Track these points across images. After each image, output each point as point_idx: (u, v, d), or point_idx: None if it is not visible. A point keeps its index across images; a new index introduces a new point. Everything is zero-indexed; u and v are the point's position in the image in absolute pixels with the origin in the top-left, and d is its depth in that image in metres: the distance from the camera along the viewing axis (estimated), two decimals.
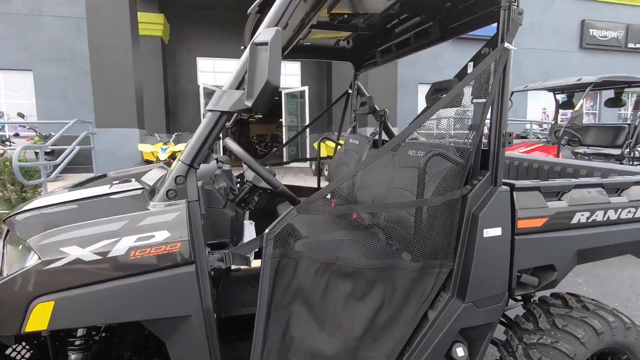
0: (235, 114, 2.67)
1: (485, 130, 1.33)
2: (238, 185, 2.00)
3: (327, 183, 3.01)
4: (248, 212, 1.69)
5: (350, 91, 2.76)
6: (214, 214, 1.28)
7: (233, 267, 1.77)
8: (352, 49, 2.48)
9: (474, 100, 1.35)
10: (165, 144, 7.04)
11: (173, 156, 6.79)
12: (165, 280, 1.02)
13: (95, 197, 1.22)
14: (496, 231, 1.30)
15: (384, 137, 2.40)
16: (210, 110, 1.08)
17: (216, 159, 1.53)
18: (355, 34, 2.14)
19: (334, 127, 10.03)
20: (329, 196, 2.92)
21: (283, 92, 10.68)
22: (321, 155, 2.94)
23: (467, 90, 1.32)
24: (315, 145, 9.20)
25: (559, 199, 1.42)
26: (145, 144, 6.96)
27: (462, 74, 1.51)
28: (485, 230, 1.28)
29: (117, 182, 1.40)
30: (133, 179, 1.41)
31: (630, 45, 12.55)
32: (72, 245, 0.98)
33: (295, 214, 1.19)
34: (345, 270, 1.26)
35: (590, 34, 12.18)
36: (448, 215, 1.31)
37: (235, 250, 1.15)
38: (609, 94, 5.58)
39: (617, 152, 4.83)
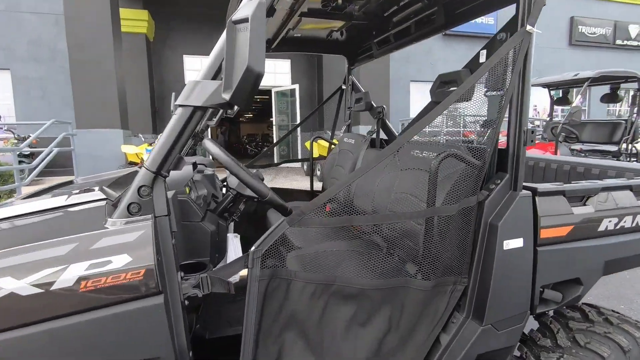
0: (221, 112, 2.48)
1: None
2: (223, 191, 1.80)
3: (320, 184, 2.84)
4: (233, 223, 1.50)
5: (344, 87, 2.58)
6: (190, 229, 1.09)
7: None
8: (346, 40, 2.30)
9: (489, 93, 1.18)
10: (150, 144, 6.78)
11: None
12: (126, 316, 0.83)
13: (44, 211, 1.01)
14: (517, 242, 1.14)
15: (382, 135, 2.22)
16: (180, 106, 0.89)
17: (194, 163, 1.33)
18: (350, 23, 1.96)
19: (326, 126, 9.85)
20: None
21: (273, 90, 10.48)
22: (313, 156, 2.76)
23: (480, 82, 1.15)
24: (308, 144, 9.01)
25: (584, 204, 1.27)
26: (130, 145, 6.69)
27: (473, 64, 1.35)
28: (505, 242, 1.12)
29: (77, 191, 1.20)
30: (96, 188, 1.21)
31: (618, 42, 12.65)
32: (6, 275, 0.78)
33: (286, 226, 1.02)
34: (346, 292, 1.09)
35: (580, 30, 12.24)
36: (462, 225, 1.14)
37: (215, 273, 0.96)
38: (600, 90, 5.51)
39: (613, 148, 4.76)
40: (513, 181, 1.16)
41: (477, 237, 1.15)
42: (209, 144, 1.13)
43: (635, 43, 12.85)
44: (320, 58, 10.26)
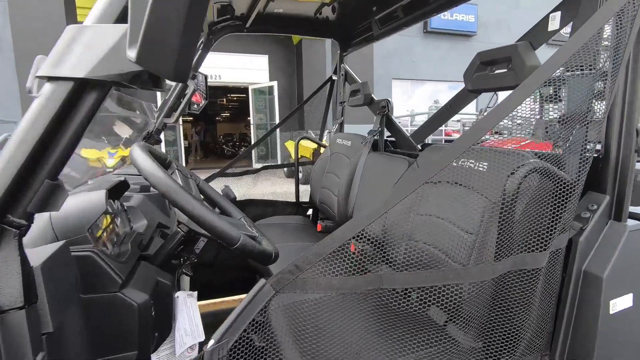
0: (183, 105, 1.92)
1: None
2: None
3: (303, 187, 2.42)
4: (187, 271, 1.02)
5: (334, 77, 2.15)
6: (99, 307, 0.62)
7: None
8: (338, 19, 1.87)
9: (569, 74, 0.79)
10: (114, 147, 6.10)
11: (124, 160, 5.86)
12: None
13: None
14: (626, 301, 0.75)
15: (386, 135, 1.81)
16: (48, 80, 0.43)
17: (120, 182, 0.85)
18: None
19: (306, 126, 9.40)
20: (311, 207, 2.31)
21: (250, 87, 9.93)
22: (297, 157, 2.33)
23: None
24: (287, 145, 8.53)
25: None
26: (90, 150, 5.99)
27: (536, 35, 0.95)
28: (612, 302, 0.72)
29: None
30: None
31: None
32: None
33: (271, 293, 0.59)
34: None
35: None
36: (545, 278, 0.74)
37: None
38: None
39: None
40: (616, 207, 0.76)
41: (566, 294, 0.75)
42: (137, 151, 0.66)
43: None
44: (300, 53, 9.79)
